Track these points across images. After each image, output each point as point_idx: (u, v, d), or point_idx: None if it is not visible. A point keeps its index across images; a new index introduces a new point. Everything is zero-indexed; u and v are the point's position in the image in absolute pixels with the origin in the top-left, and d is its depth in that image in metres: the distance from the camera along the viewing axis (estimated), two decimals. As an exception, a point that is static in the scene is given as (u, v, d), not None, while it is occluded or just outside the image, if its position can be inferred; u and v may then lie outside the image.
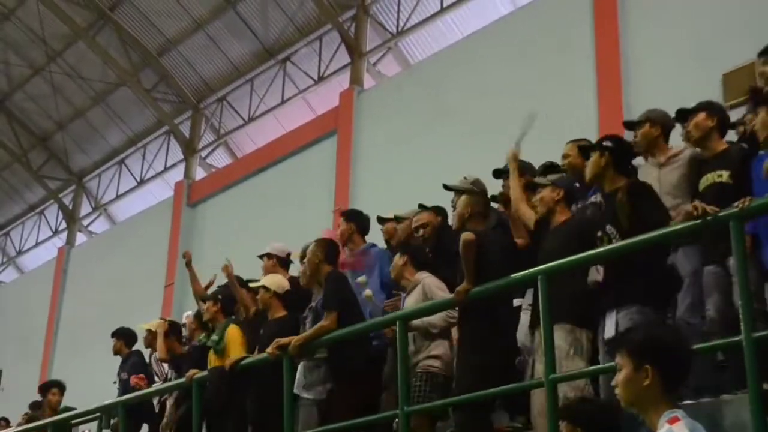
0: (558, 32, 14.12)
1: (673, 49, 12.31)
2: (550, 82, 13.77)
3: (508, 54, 14.72)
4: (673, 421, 3.17)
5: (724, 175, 5.94)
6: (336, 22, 18.51)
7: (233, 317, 8.60)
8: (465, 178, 7.19)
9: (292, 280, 8.27)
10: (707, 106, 6.28)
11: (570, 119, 12.38)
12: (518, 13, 15.29)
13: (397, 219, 8.22)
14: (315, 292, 7.81)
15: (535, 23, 14.55)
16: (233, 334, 8.22)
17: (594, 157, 6.04)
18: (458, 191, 7.05)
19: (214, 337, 8.33)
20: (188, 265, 10.10)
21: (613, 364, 4.31)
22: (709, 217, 5.10)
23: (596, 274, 6.00)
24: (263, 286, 8.07)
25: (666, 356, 3.29)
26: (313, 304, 7.70)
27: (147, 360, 10.42)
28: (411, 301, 6.99)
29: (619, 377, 3.34)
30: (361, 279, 7.26)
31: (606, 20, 13.31)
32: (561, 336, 5.79)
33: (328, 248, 7.68)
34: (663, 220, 5.54)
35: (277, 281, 8.14)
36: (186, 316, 10.27)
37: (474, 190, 6.85)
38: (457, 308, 6.60)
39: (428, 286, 6.93)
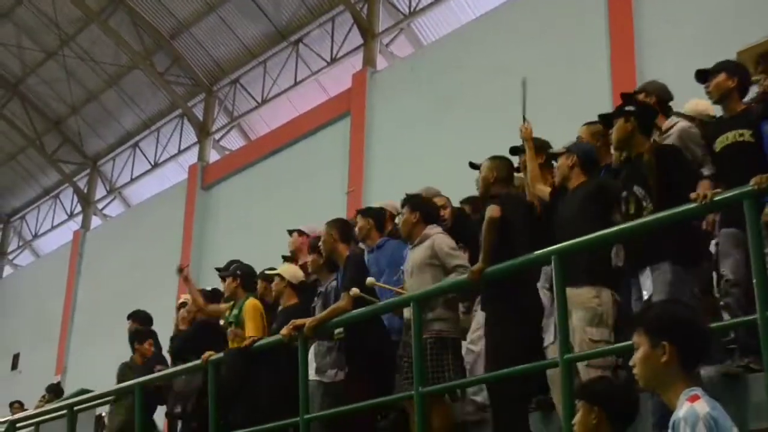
0: (571, 11, 14.04)
1: (687, 27, 12.23)
2: (564, 62, 13.72)
3: (521, 34, 14.66)
4: (693, 399, 3.14)
5: (746, 134, 5.93)
6: (348, 3, 18.45)
7: (253, 293, 8.58)
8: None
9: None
10: (727, 66, 6.25)
11: (584, 98, 12.32)
12: (531, -8, 15.21)
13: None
14: (322, 279, 7.78)
15: (548, 2, 14.48)
16: (250, 306, 8.23)
17: (619, 123, 6.01)
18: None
19: (235, 311, 8.36)
20: (186, 279, 9.82)
21: (629, 342, 4.27)
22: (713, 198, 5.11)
23: (616, 258, 5.97)
24: (278, 275, 8.08)
25: (683, 332, 3.25)
26: (322, 289, 7.66)
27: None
28: (417, 255, 6.87)
29: (637, 356, 3.31)
30: (370, 280, 7.22)
31: (620, -1, 13.25)
32: (582, 301, 5.78)
33: (341, 227, 7.64)
34: (688, 181, 5.54)
35: (292, 271, 8.14)
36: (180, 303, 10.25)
37: (498, 156, 6.84)
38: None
39: (438, 244, 6.79)
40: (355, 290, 7.10)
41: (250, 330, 8.09)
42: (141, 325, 10.55)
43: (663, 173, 5.63)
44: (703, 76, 6.36)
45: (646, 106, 6.23)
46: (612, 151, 6.47)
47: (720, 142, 6.04)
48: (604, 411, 4.11)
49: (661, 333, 3.25)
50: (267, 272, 8.42)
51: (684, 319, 3.31)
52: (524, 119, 7.03)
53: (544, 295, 6.38)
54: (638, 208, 5.67)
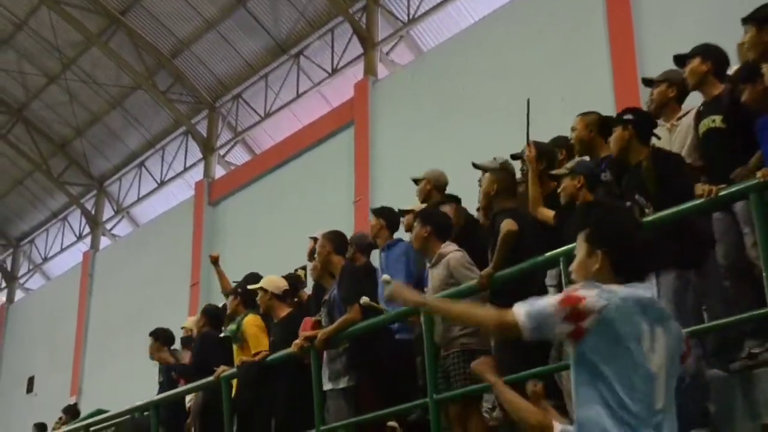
0: (570, 12, 14.07)
1: (687, 20, 12.23)
2: (564, 63, 13.73)
3: (520, 37, 14.68)
4: None
5: (717, 120, 5.90)
6: (346, 13, 18.50)
7: (253, 309, 8.60)
8: (494, 158, 7.23)
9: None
10: (701, 51, 6.21)
11: (586, 99, 12.31)
12: (529, -5, 15.24)
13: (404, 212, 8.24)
14: (326, 286, 7.76)
15: (546, 4, 14.50)
16: (249, 321, 8.23)
17: (617, 131, 6.00)
18: (484, 170, 7.07)
19: (232, 326, 8.36)
20: (215, 263, 10.13)
21: None
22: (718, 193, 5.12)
23: None
24: (261, 288, 8.06)
25: (617, 244, 3.36)
26: (326, 297, 7.63)
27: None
28: (435, 275, 6.82)
29: (575, 261, 3.45)
30: (385, 277, 7.22)
31: (617, -3, 13.26)
32: None
33: (336, 239, 7.64)
34: (686, 187, 5.52)
35: (274, 282, 8.13)
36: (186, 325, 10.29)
37: (497, 169, 6.84)
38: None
39: (453, 264, 6.72)
40: (365, 299, 7.12)
41: (255, 347, 8.10)
42: (163, 344, 10.49)
43: (661, 179, 5.61)
44: (681, 61, 6.34)
45: (643, 114, 6.21)
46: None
47: (700, 129, 6.05)
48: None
49: (596, 242, 3.38)
50: (250, 287, 8.37)
51: (620, 231, 3.41)
52: (528, 141, 7.01)
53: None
54: (641, 217, 5.61)
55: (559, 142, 7.46)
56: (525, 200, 7.01)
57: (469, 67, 15.52)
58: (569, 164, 6.52)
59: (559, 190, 6.47)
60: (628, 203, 5.76)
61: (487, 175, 6.86)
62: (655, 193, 5.58)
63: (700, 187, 5.28)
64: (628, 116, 6.03)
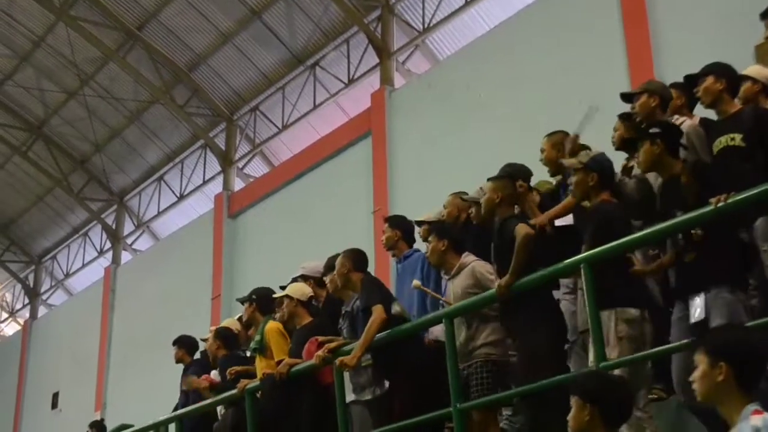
0: (585, 16, 14.04)
1: (703, 24, 12.19)
2: (581, 67, 13.70)
3: (535, 42, 14.66)
4: (757, 412, 3.45)
5: (737, 138, 5.80)
6: (362, 23, 18.53)
7: (271, 315, 8.57)
8: (481, 188, 7.22)
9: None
10: (714, 69, 6.14)
11: (603, 103, 12.26)
12: (543, 0, 15.21)
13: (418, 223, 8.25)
14: (345, 299, 7.71)
15: (560, 9, 14.48)
16: (272, 329, 8.19)
17: (645, 146, 5.86)
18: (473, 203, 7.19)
19: (257, 337, 8.32)
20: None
21: (661, 348, 4.89)
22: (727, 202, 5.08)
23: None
24: (286, 296, 8.05)
25: (740, 355, 3.62)
26: (348, 308, 7.59)
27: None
28: (458, 284, 6.83)
29: (696, 373, 3.67)
30: (416, 282, 7.23)
31: (632, -1, 13.23)
32: (614, 320, 5.73)
33: (356, 257, 7.57)
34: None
35: (300, 289, 8.12)
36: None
37: (501, 176, 6.83)
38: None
39: (479, 271, 6.77)
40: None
41: (278, 354, 8.05)
42: (187, 353, 10.44)
43: (706, 188, 5.46)
44: (692, 80, 6.30)
45: (669, 126, 6.12)
46: (640, 171, 6.31)
47: (715, 147, 5.93)
48: (596, 408, 4.11)
49: (719, 354, 3.62)
50: (274, 295, 8.35)
51: (741, 342, 3.71)
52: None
53: (566, 305, 6.41)
54: (686, 233, 5.57)
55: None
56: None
57: (485, 75, 15.51)
58: (582, 157, 6.32)
59: (569, 182, 6.38)
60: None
61: (489, 183, 6.76)
62: (696, 206, 5.42)
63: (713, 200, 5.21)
64: (655, 130, 5.91)
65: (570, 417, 4.19)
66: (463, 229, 7.51)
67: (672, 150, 5.87)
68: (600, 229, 5.89)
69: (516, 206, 6.77)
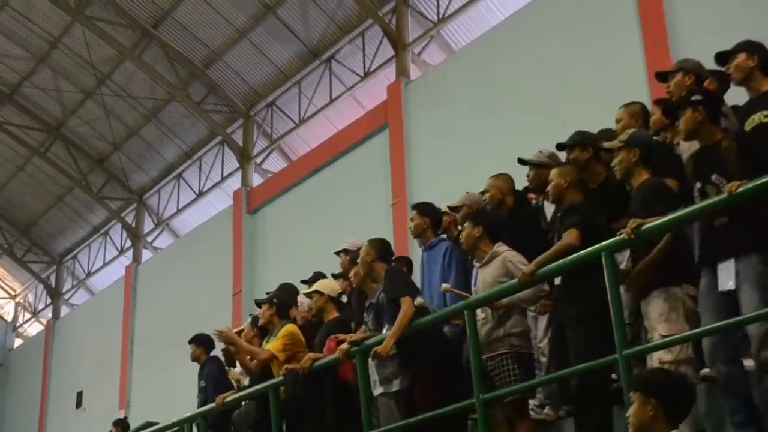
0: (599, 2, 13.96)
1: (720, 8, 12.09)
2: (597, 54, 13.62)
3: (551, 30, 14.59)
4: None
5: None
6: (376, 16, 18.49)
7: (288, 319, 8.61)
8: (540, 152, 7.19)
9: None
10: (746, 46, 6.09)
11: (620, 88, 12.21)
12: (558, -12, 15.14)
13: (452, 209, 8.19)
14: (368, 292, 7.72)
15: (576, -4, 14.41)
16: (292, 328, 8.29)
17: (687, 114, 5.85)
18: (538, 165, 7.12)
19: (272, 340, 8.39)
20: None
21: (740, 317, 5.11)
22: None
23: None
24: (317, 291, 8.12)
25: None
26: (372, 300, 7.59)
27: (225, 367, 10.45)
28: (489, 273, 6.81)
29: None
30: (445, 286, 7.23)
31: (648, -15, 13.13)
32: (655, 301, 5.73)
33: (380, 247, 7.60)
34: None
35: (330, 285, 8.22)
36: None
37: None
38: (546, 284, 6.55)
39: (511, 261, 6.73)
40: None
41: (274, 346, 8.21)
42: (204, 351, 10.46)
43: (746, 158, 5.48)
44: (723, 58, 6.24)
45: (712, 93, 6.10)
46: (681, 140, 6.32)
47: (748, 124, 5.87)
48: (660, 403, 4.09)
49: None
50: (304, 291, 8.45)
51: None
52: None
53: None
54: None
55: (605, 134, 7.32)
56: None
57: (501, 64, 15.45)
58: (623, 136, 6.35)
59: (612, 164, 6.34)
60: (699, 184, 5.66)
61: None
62: (738, 171, 5.37)
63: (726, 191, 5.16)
64: (697, 97, 5.91)
65: (631, 413, 4.21)
66: (506, 216, 7.47)
67: (713, 118, 5.85)
68: (656, 201, 5.85)
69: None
